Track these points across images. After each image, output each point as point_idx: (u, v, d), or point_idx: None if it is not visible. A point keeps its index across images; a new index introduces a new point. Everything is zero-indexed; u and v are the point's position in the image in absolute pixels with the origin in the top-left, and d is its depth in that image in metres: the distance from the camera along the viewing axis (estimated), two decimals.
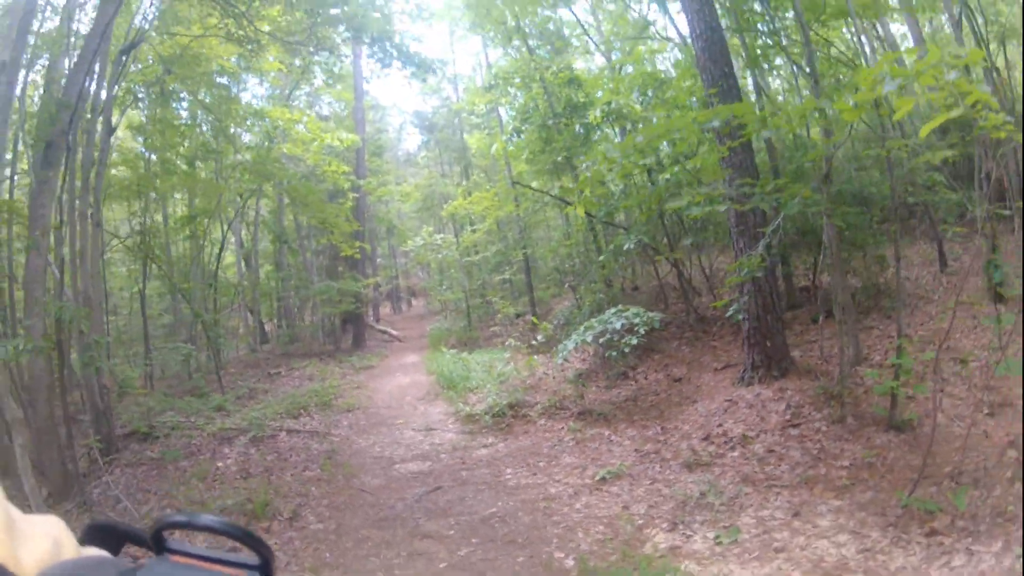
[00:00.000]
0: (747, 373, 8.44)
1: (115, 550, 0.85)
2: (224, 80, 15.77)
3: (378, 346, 22.72)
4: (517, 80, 14.52)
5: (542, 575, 4.80)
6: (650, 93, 12.58)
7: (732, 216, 8.48)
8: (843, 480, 5.61)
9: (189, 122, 15.69)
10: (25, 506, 5.73)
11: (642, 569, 4.49)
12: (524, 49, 15.34)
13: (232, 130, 15.88)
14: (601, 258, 12.29)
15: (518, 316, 18.26)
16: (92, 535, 0.85)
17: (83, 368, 8.80)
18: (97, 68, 9.52)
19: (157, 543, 0.79)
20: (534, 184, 16.95)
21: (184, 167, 16.14)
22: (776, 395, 7.60)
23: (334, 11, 11.83)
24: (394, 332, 25.70)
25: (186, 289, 16.16)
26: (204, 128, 16.06)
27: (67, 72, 9.25)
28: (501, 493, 6.71)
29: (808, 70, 9.17)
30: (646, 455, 7.19)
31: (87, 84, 9.04)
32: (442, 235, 24.02)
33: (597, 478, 6.67)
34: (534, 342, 12.21)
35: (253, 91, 20.10)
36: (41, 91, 11.18)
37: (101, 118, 10.63)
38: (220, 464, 8.39)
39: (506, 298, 20.52)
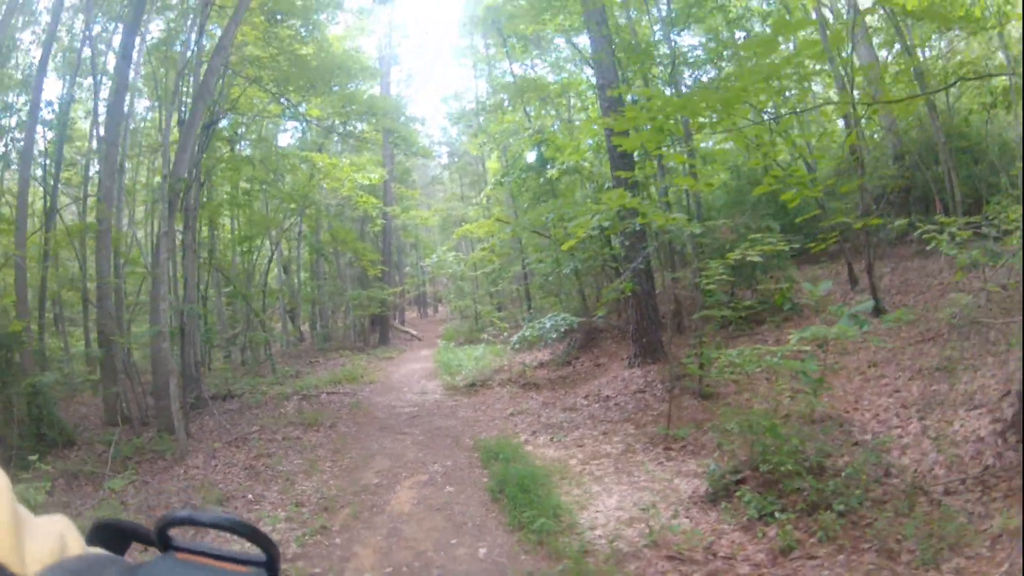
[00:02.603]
0: (632, 359, 12.74)
1: (122, 549, 0.89)
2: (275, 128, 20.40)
3: (401, 343, 27.03)
4: (497, 137, 19.14)
5: (454, 447, 9.39)
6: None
7: (624, 255, 12.83)
8: (645, 421, 9.65)
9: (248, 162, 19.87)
10: (171, 425, 10.27)
11: (503, 446, 8.88)
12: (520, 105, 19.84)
13: (277, 174, 20.19)
14: (550, 277, 16.76)
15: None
16: (99, 534, 0.89)
17: (202, 345, 13.38)
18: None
19: (162, 541, 0.80)
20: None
21: (240, 197, 20.49)
22: (643, 374, 11.77)
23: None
24: (414, 332, 30.00)
25: (248, 295, 20.57)
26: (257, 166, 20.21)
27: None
28: (451, 419, 11.39)
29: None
30: (546, 404, 11.67)
31: (188, 159, 13.13)
32: (455, 252, 28.26)
33: (508, 413, 11.26)
34: (499, 338, 16.73)
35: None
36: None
37: (196, 177, 14.61)
38: (282, 410, 12.79)
39: (503, 306, 24.84)
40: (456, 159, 36.76)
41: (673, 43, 15.00)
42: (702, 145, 15.27)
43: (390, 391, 15.02)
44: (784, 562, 4.91)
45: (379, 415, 12.17)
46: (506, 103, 19.85)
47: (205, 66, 13.03)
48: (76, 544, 0.80)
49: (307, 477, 8.30)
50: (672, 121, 7.08)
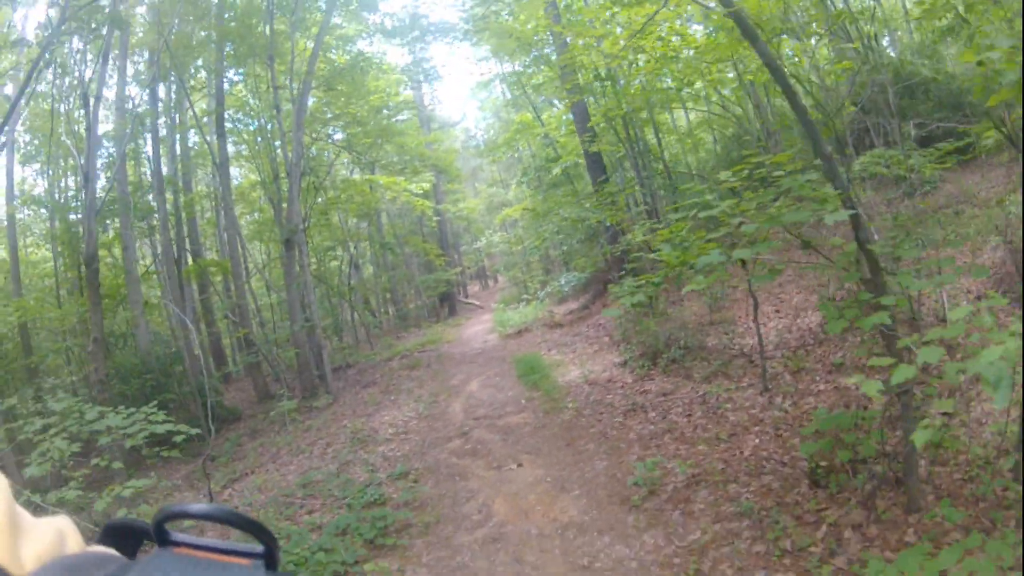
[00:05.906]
0: None
1: (133, 550, 0.87)
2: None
3: (467, 313, 32.65)
4: (515, 141, 25.18)
5: (502, 363, 15.58)
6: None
7: (605, 234, 18.65)
8: (617, 336, 15.52)
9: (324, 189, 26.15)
10: (319, 387, 16.67)
11: (528, 357, 14.93)
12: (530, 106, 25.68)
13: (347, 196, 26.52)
14: (564, 247, 22.76)
15: None
16: (109, 536, 0.87)
17: (328, 330, 19.77)
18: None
19: (159, 536, 0.78)
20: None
21: (321, 218, 26.80)
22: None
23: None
24: (477, 303, 35.69)
25: (346, 292, 27.11)
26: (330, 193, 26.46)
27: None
28: (502, 351, 17.53)
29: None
30: (563, 334, 17.67)
31: (295, 211, 19.53)
32: (500, 232, 34.37)
33: (537, 343, 17.34)
34: (536, 295, 22.85)
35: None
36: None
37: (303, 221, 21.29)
38: (390, 366, 19.02)
39: (550, 269, 30.78)
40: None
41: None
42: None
43: (462, 344, 21.13)
44: (639, 382, 10.85)
45: (456, 357, 18.33)
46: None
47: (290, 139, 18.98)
48: (76, 543, 0.81)
49: (420, 388, 14.67)
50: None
